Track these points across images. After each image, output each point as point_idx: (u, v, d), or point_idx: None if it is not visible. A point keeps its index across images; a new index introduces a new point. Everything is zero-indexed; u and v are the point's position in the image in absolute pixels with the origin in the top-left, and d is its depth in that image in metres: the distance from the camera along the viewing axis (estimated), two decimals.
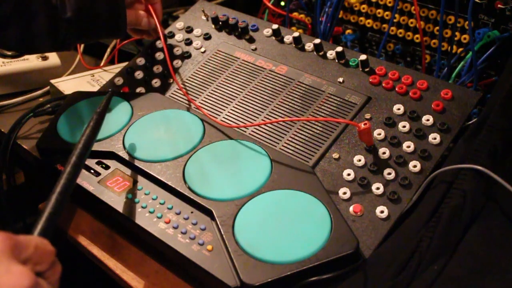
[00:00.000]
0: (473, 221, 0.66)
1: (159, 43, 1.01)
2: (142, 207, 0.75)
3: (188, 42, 1.00)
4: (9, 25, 0.86)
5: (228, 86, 0.91)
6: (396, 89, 0.83)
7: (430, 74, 0.95)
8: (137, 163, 0.80)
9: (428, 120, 0.78)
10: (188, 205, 0.74)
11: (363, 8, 1.02)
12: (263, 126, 0.84)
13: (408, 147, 0.76)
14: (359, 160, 0.76)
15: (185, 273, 0.72)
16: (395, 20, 0.99)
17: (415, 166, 0.74)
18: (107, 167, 0.81)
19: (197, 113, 0.88)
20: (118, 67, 1.10)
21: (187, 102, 0.91)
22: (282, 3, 1.14)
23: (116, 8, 0.91)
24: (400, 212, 0.71)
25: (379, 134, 0.78)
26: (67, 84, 1.05)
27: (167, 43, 1.01)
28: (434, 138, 0.76)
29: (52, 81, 1.06)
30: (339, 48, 0.89)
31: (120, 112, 0.89)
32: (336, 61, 0.90)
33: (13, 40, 0.88)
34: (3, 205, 0.97)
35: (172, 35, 1.03)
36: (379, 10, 1.01)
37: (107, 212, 0.78)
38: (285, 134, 0.82)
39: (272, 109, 0.86)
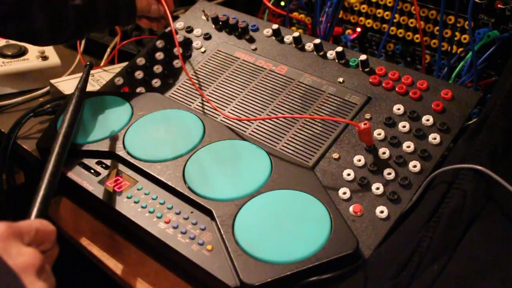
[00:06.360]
0: (473, 221, 0.66)
1: (159, 43, 1.01)
2: (142, 207, 0.75)
3: (188, 42, 1.00)
4: (9, 18, 0.87)
5: (228, 86, 0.91)
6: (396, 89, 0.83)
7: (430, 74, 0.95)
8: (137, 163, 0.80)
9: (428, 120, 0.78)
10: (188, 205, 0.74)
11: (363, 8, 1.02)
12: (263, 126, 0.84)
13: (408, 147, 0.76)
14: (359, 160, 0.76)
15: (185, 273, 0.72)
16: (395, 20, 0.99)
17: (415, 166, 0.74)
18: (107, 167, 0.81)
19: (197, 113, 0.88)
20: (118, 67, 1.10)
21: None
22: (282, 3, 1.14)
23: None
24: (400, 212, 0.71)
25: (379, 134, 0.78)
26: (67, 84, 1.04)
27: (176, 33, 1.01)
28: (434, 138, 0.76)
29: (52, 81, 1.05)
30: (339, 48, 0.89)
31: (120, 112, 0.89)
32: (336, 61, 0.90)
33: (13, 30, 0.89)
34: (3, 205, 0.97)
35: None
36: (379, 10, 1.01)
37: (107, 212, 0.78)
38: (285, 134, 0.82)
39: (272, 109, 0.86)
